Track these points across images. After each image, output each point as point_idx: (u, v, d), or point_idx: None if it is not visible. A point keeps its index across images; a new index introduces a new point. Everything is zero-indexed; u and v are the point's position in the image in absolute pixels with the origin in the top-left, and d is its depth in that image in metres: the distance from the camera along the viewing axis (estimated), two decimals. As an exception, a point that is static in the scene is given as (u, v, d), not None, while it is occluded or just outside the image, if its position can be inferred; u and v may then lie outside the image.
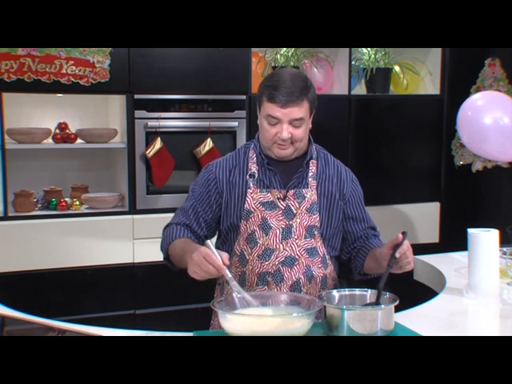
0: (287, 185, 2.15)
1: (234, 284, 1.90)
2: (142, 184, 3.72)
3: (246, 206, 2.14)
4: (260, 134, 2.16)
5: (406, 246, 1.93)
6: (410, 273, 2.10)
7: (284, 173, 2.16)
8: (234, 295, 1.88)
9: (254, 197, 2.14)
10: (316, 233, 2.15)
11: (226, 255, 1.88)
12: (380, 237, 2.26)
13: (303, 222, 2.13)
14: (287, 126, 2.06)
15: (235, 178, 2.17)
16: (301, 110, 2.05)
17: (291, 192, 2.14)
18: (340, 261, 2.28)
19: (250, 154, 2.20)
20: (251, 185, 2.15)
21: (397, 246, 1.92)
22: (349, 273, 2.29)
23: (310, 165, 2.18)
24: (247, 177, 2.16)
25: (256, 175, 2.16)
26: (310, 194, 2.15)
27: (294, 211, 2.13)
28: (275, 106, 2.04)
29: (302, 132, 2.09)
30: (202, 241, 2.19)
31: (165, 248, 2.18)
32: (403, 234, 1.93)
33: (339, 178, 2.21)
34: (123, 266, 3.70)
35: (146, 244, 3.68)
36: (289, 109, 2.03)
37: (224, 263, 1.85)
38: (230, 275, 1.88)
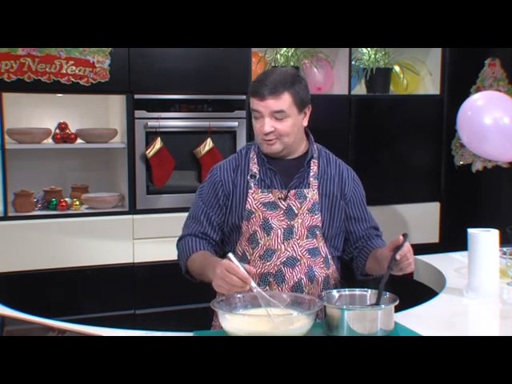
0: (288, 185, 2.15)
1: (259, 292, 1.87)
2: (142, 184, 3.72)
3: (248, 206, 2.13)
4: None
5: (407, 248, 1.92)
6: (411, 273, 2.09)
7: (285, 173, 2.15)
8: (262, 304, 1.86)
9: (255, 197, 2.14)
10: (318, 233, 2.15)
11: (248, 266, 1.87)
12: (382, 237, 2.26)
13: (305, 222, 2.13)
14: (269, 120, 2.06)
15: (237, 178, 2.17)
16: (279, 103, 2.05)
17: (292, 192, 2.14)
18: (342, 261, 2.27)
19: (251, 155, 2.20)
20: (252, 185, 2.15)
21: (397, 247, 1.91)
22: (351, 273, 2.28)
23: (312, 164, 2.18)
24: (248, 177, 2.16)
25: (257, 175, 2.16)
26: (312, 194, 2.15)
27: (296, 211, 2.13)
28: (256, 100, 2.07)
29: (286, 126, 2.08)
30: (218, 246, 2.19)
31: (183, 262, 2.16)
32: (404, 235, 1.92)
33: (341, 177, 2.21)
34: (123, 266, 3.69)
35: (146, 244, 3.68)
36: (267, 101, 2.04)
37: (248, 272, 1.83)
38: (254, 285, 1.86)
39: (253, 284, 1.85)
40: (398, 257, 1.89)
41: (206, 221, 2.17)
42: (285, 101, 2.05)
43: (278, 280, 2.10)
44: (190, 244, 2.15)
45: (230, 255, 1.87)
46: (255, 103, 2.08)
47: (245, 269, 1.83)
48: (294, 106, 2.08)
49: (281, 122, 2.07)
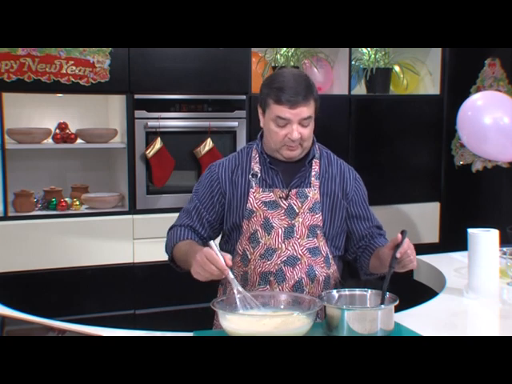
0: (290, 184, 2.14)
1: (236, 284, 1.90)
2: (142, 184, 3.72)
3: (249, 205, 2.13)
4: (268, 136, 2.14)
5: (407, 244, 1.92)
6: (411, 272, 2.09)
7: (286, 172, 2.15)
8: (235, 296, 1.88)
9: (257, 196, 2.14)
10: (319, 232, 2.15)
11: (228, 256, 1.87)
12: (386, 235, 2.26)
13: (306, 222, 2.13)
14: (297, 126, 2.06)
15: (238, 177, 2.17)
16: (309, 109, 2.06)
17: (293, 191, 2.14)
18: (344, 261, 2.27)
19: (253, 154, 2.20)
20: (253, 184, 2.15)
21: (397, 245, 1.91)
22: (351, 274, 2.28)
23: (313, 164, 2.18)
24: (250, 176, 2.16)
25: (258, 175, 2.16)
26: (313, 194, 2.15)
27: (297, 210, 2.13)
28: (284, 107, 2.04)
29: (309, 131, 2.10)
30: (205, 242, 2.18)
31: (169, 250, 2.18)
32: (402, 233, 1.92)
33: (342, 177, 2.21)
34: (123, 265, 3.69)
35: (146, 244, 3.68)
36: (298, 109, 2.03)
37: (227, 264, 1.85)
38: (232, 276, 1.88)
39: (230, 275, 1.87)
40: (398, 255, 1.89)
41: (197, 217, 2.19)
42: (312, 107, 2.07)
43: (279, 279, 2.10)
44: (177, 233, 2.17)
45: (212, 243, 1.88)
46: (282, 111, 2.04)
47: (224, 259, 1.84)
48: (315, 109, 2.10)
49: (305, 127, 2.08)
